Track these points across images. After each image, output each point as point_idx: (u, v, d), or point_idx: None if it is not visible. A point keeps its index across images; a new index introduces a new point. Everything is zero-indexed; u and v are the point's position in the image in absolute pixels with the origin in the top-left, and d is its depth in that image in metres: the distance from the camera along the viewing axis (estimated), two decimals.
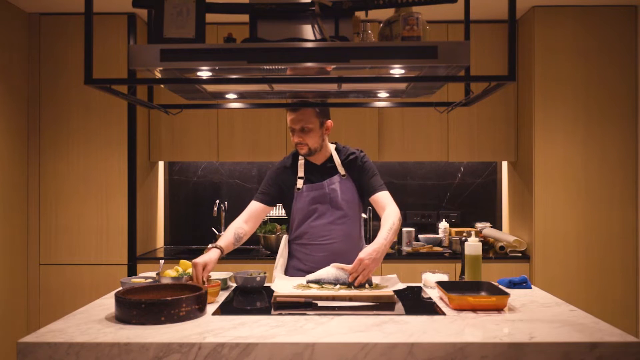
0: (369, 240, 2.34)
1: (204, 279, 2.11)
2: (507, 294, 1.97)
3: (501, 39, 3.89)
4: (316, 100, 2.49)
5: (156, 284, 2.03)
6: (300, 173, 2.49)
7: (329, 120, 2.47)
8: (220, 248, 2.28)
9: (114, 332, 1.65)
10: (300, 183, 2.47)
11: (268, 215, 4.10)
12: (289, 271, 2.52)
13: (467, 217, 4.28)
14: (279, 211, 4.15)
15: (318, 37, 1.97)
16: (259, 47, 1.86)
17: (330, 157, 2.51)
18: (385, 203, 2.40)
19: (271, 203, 2.53)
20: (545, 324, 1.75)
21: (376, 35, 2.11)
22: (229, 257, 3.78)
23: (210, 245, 2.29)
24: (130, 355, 1.55)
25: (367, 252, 2.16)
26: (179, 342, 1.56)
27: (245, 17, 2.00)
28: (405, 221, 4.21)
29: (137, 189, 3.80)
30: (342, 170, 2.48)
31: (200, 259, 2.14)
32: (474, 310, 1.92)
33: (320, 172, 2.49)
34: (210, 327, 1.70)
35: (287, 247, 2.57)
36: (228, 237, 2.38)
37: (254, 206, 2.51)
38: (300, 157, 2.51)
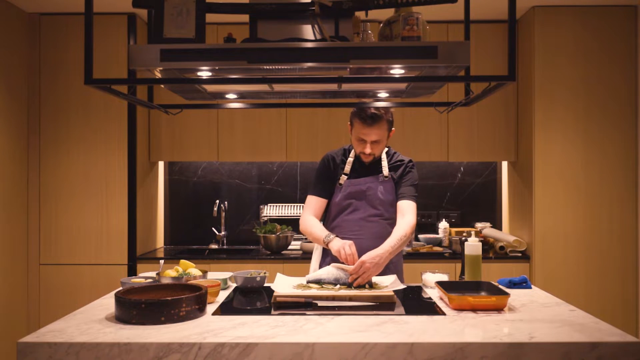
0: None
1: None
2: (507, 294, 1.97)
3: (501, 39, 3.89)
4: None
5: (156, 284, 2.03)
6: (347, 170, 2.53)
7: (393, 129, 2.52)
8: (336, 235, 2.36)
9: (114, 332, 1.65)
10: (343, 179, 2.52)
11: (268, 215, 4.10)
12: (323, 265, 2.53)
13: (467, 217, 4.28)
14: (279, 211, 4.15)
15: (318, 37, 1.97)
16: (259, 47, 1.86)
17: (379, 158, 2.54)
18: (406, 211, 2.43)
19: (328, 196, 2.56)
20: (545, 324, 1.75)
21: (376, 35, 2.11)
22: (229, 257, 3.79)
23: (331, 236, 2.34)
24: (130, 355, 1.55)
25: (370, 255, 2.19)
26: (179, 342, 1.56)
27: (245, 17, 2.00)
28: None
29: (137, 189, 3.80)
30: (386, 172, 2.51)
31: (348, 248, 2.25)
32: (474, 310, 1.92)
33: (365, 170, 2.53)
34: (210, 327, 1.70)
35: (319, 249, 2.60)
36: (321, 226, 2.45)
37: (313, 201, 2.54)
38: (351, 155, 2.55)
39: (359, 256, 2.31)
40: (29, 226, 3.74)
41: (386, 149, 2.59)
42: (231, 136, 3.98)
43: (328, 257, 2.53)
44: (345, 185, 2.51)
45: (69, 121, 3.76)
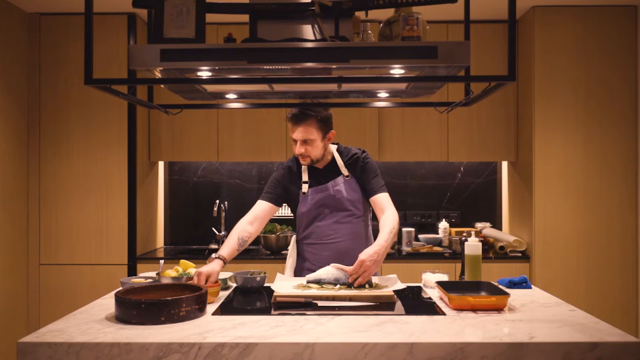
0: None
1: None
2: (507, 294, 1.97)
3: (501, 39, 3.89)
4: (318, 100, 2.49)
5: (156, 284, 2.03)
6: (305, 177, 2.50)
7: (332, 131, 2.49)
8: (222, 258, 2.25)
9: (114, 332, 1.65)
10: (305, 187, 2.48)
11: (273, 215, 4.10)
12: (298, 272, 2.54)
13: (467, 217, 4.28)
14: (279, 211, 4.14)
15: (318, 37, 1.97)
16: (259, 47, 1.86)
17: (333, 160, 2.52)
18: (385, 205, 2.42)
19: (277, 203, 2.53)
20: (545, 324, 1.75)
21: (376, 35, 2.11)
22: None
23: (213, 255, 2.26)
24: (130, 355, 1.55)
25: (368, 253, 2.17)
26: (179, 342, 1.56)
27: (245, 17, 2.00)
28: (405, 221, 4.21)
29: (137, 189, 3.80)
30: (345, 171, 2.49)
31: (204, 269, 2.13)
32: (474, 310, 1.92)
33: (323, 174, 2.51)
34: (210, 327, 1.70)
35: (295, 247, 2.58)
36: (232, 244, 2.35)
37: (261, 206, 2.50)
38: None
39: (339, 259, 2.32)
40: (29, 226, 3.74)
41: (335, 147, 2.55)
42: (231, 136, 3.98)
43: (303, 260, 2.53)
44: (312, 193, 2.47)
45: (69, 121, 3.76)
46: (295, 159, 2.56)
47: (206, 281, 2.11)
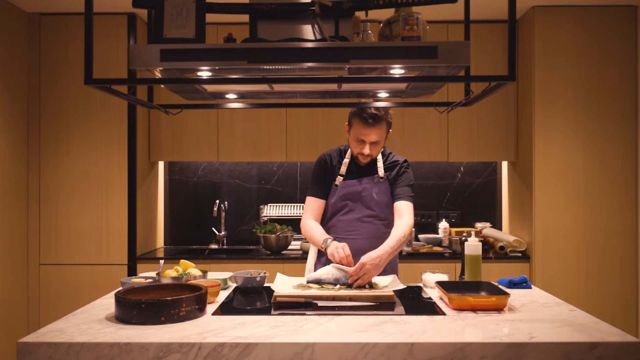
0: None
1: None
2: (507, 294, 1.97)
3: (501, 39, 3.89)
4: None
5: (156, 284, 2.03)
6: (342, 171, 2.52)
7: (390, 130, 2.51)
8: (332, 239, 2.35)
9: (114, 332, 1.65)
10: (339, 180, 2.51)
11: (268, 215, 4.10)
12: (318, 266, 2.54)
13: (467, 217, 4.28)
14: (279, 211, 4.15)
15: (318, 37, 1.97)
16: (259, 47, 1.86)
17: (375, 159, 2.53)
18: (404, 213, 2.42)
19: (326, 196, 2.55)
20: (545, 324, 1.75)
21: (376, 35, 2.11)
22: (229, 257, 3.79)
23: (328, 240, 2.33)
24: (130, 355, 1.55)
25: (371, 257, 2.18)
26: (179, 342, 1.56)
27: (245, 17, 2.00)
28: None
29: (137, 189, 3.80)
30: (381, 172, 2.51)
31: (337, 244, 2.27)
32: (474, 310, 1.92)
33: (360, 171, 2.52)
34: (210, 327, 1.70)
35: (314, 249, 2.59)
36: (321, 230, 2.45)
37: (312, 202, 2.54)
38: (347, 156, 2.53)
39: (354, 256, 2.31)
40: (29, 226, 3.74)
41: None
42: (231, 136, 3.98)
43: (323, 257, 2.53)
44: (341, 187, 2.50)
45: (68, 121, 3.75)
46: (338, 152, 2.58)
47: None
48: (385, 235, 2.48)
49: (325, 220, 2.55)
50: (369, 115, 2.38)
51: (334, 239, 2.36)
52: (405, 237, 2.32)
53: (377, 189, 2.49)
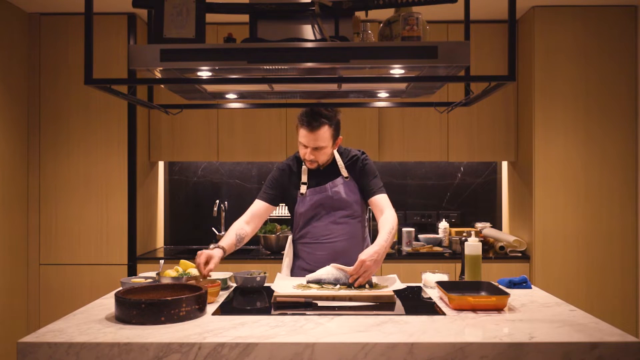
0: (373, 240, 2.36)
1: (206, 275, 2.16)
2: (507, 294, 1.97)
3: (501, 39, 3.89)
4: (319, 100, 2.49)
5: (156, 284, 2.03)
6: (304, 179, 2.49)
7: (340, 137, 2.48)
8: (222, 248, 2.29)
9: (114, 332, 1.65)
10: (304, 188, 2.48)
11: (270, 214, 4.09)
12: (294, 271, 2.54)
13: (467, 217, 4.28)
14: (279, 211, 4.15)
15: (318, 37, 1.97)
16: (259, 47, 1.86)
17: (333, 161, 2.51)
18: (384, 206, 2.41)
19: (275, 202, 2.53)
20: (545, 324, 1.75)
21: (376, 35, 2.11)
22: (230, 257, 3.77)
23: (212, 246, 2.29)
24: (130, 355, 1.55)
25: (369, 253, 2.17)
26: (179, 342, 1.56)
27: (245, 17, 2.00)
28: (405, 221, 4.21)
29: (137, 189, 3.80)
30: (345, 173, 2.48)
31: (205, 251, 2.18)
32: (474, 310, 1.92)
33: (323, 175, 2.49)
34: (210, 327, 1.70)
35: (292, 247, 2.58)
36: (230, 238, 2.38)
37: (257, 205, 2.51)
38: (304, 163, 2.51)
39: (336, 259, 2.33)
40: (29, 226, 3.74)
41: (336, 148, 2.55)
42: (231, 136, 3.98)
43: (298, 259, 2.54)
44: (310, 194, 2.46)
45: (69, 121, 3.76)
46: (295, 159, 2.55)
47: (206, 264, 2.16)
48: (361, 232, 2.49)
49: (298, 229, 2.52)
50: (306, 120, 2.35)
51: (217, 247, 2.28)
52: (394, 229, 2.32)
53: (345, 188, 2.46)
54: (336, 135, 2.44)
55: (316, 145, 2.37)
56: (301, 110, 2.43)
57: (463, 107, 2.43)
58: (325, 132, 2.36)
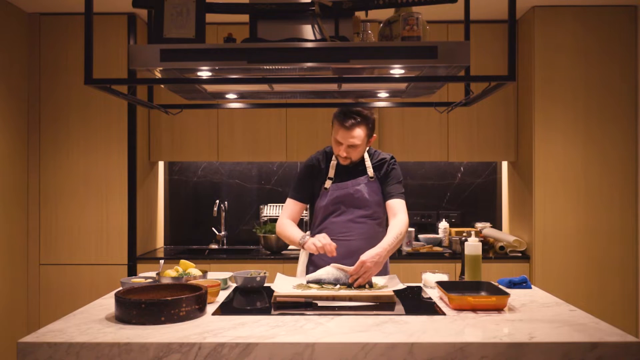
0: None
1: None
2: (507, 294, 1.97)
3: (501, 39, 3.89)
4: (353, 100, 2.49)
5: (156, 284, 2.03)
6: (331, 174, 2.51)
7: (374, 135, 2.49)
8: (305, 234, 2.37)
9: (114, 332, 1.65)
10: (328, 183, 2.50)
11: (268, 215, 4.10)
12: (309, 270, 2.53)
13: (467, 217, 4.28)
14: (279, 211, 4.14)
15: (318, 37, 1.97)
16: (259, 47, 1.86)
17: (362, 160, 2.53)
18: (397, 210, 2.42)
19: (307, 201, 2.56)
20: (545, 324, 1.75)
21: (376, 35, 2.11)
22: (229, 257, 3.79)
23: (305, 237, 2.34)
24: (130, 355, 1.55)
25: (370, 255, 2.18)
26: (179, 342, 1.56)
27: (245, 17, 2.01)
28: None
29: (137, 189, 3.80)
30: (371, 172, 2.50)
31: (324, 239, 2.26)
32: (474, 310, 1.92)
33: (349, 172, 2.51)
34: (210, 327, 1.70)
35: (306, 253, 2.58)
36: (298, 228, 2.46)
37: (293, 205, 2.53)
38: (333, 158, 2.52)
39: (350, 257, 2.32)
40: (29, 226, 3.74)
41: (367, 149, 2.56)
42: (231, 136, 3.98)
43: (313, 254, 2.53)
44: (332, 189, 2.48)
45: (69, 121, 3.76)
46: (324, 153, 2.57)
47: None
48: (379, 234, 2.48)
49: (316, 224, 2.54)
50: (346, 119, 2.37)
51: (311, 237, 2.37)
52: (402, 234, 2.33)
53: (368, 189, 2.48)
54: (371, 133, 2.46)
55: (352, 143, 2.39)
56: (337, 109, 2.45)
57: (463, 107, 2.43)
58: (362, 130, 2.39)
